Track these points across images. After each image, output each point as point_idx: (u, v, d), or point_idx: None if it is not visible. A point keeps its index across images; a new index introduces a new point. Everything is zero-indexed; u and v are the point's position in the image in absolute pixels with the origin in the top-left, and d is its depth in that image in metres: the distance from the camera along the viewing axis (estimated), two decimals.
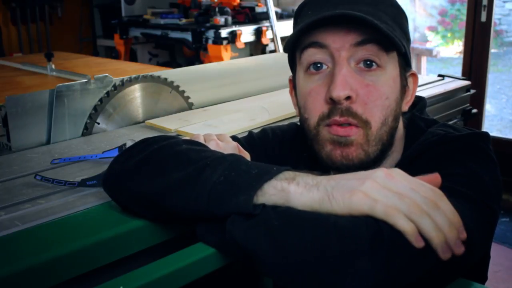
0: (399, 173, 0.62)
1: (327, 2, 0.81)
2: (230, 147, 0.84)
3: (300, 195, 0.63)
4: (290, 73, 0.92)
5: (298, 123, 1.02)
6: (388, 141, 0.83)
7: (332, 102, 0.79)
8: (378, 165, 0.83)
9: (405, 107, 0.87)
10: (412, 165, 0.79)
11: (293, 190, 0.64)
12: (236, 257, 0.70)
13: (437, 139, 0.80)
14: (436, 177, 0.64)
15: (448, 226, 0.58)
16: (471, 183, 0.72)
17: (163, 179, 0.70)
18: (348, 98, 0.78)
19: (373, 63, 0.79)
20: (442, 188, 0.65)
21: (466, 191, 0.70)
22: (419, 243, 0.57)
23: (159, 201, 0.71)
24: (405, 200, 0.59)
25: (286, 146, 0.98)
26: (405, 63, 0.84)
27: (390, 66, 0.81)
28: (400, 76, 0.83)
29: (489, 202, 0.71)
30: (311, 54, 0.81)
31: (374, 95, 0.79)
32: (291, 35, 0.82)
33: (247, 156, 0.86)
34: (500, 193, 0.77)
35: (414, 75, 0.88)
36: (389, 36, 0.76)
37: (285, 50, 0.87)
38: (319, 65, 0.81)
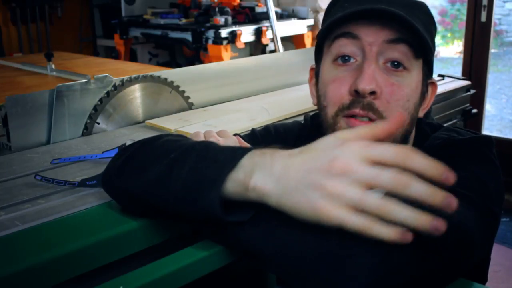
0: (354, 153, 0.54)
1: None
2: (230, 142, 0.84)
3: (263, 195, 0.58)
4: (290, 73, 0.92)
5: (302, 122, 1.03)
6: (400, 143, 0.82)
7: (356, 95, 0.78)
8: None
9: (421, 114, 0.87)
10: None
11: (252, 187, 0.59)
12: (240, 254, 0.70)
13: (440, 143, 0.81)
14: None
15: (427, 197, 0.52)
16: (473, 186, 0.72)
17: (144, 177, 0.70)
18: (373, 93, 0.78)
19: (401, 65, 0.79)
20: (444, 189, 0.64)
21: (468, 193, 0.70)
22: (406, 238, 0.52)
23: (145, 199, 0.71)
24: (370, 202, 0.53)
25: (290, 145, 0.98)
26: (428, 71, 0.85)
27: (416, 71, 0.81)
28: (422, 82, 0.84)
29: (490, 204, 0.71)
30: (342, 45, 0.81)
31: (397, 94, 0.79)
32: (327, 24, 0.82)
33: None
34: (502, 197, 0.77)
35: (434, 84, 0.89)
36: (423, 37, 0.76)
37: (317, 38, 0.86)
38: (347, 57, 0.81)
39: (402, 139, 0.82)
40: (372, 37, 0.79)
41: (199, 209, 0.63)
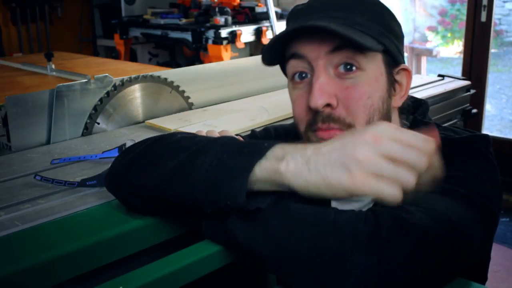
0: (385, 131, 0.60)
1: (305, 11, 0.83)
2: None
3: (293, 176, 0.62)
4: None
5: None
6: None
7: (313, 111, 0.79)
8: None
9: (399, 102, 0.86)
10: None
11: (284, 170, 0.62)
12: (239, 255, 0.70)
13: None
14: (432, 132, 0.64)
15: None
16: (471, 185, 0.72)
17: (159, 170, 0.71)
18: (328, 105, 0.78)
19: (353, 66, 0.79)
20: (442, 190, 0.64)
21: (466, 192, 0.70)
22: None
23: (158, 193, 0.71)
24: (401, 171, 0.58)
25: None
26: (391, 60, 0.83)
27: (371, 66, 0.80)
28: (387, 73, 0.83)
29: (488, 204, 0.71)
30: (293, 65, 0.82)
31: (354, 96, 0.79)
32: (270, 43, 0.83)
33: None
34: (500, 196, 0.77)
35: (405, 70, 0.87)
36: (357, 42, 0.75)
37: (263, 61, 0.86)
38: (303, 74, 0.82)
39: None
40: (315, 52, 0.79)
41: (221, 197, 0.64)
